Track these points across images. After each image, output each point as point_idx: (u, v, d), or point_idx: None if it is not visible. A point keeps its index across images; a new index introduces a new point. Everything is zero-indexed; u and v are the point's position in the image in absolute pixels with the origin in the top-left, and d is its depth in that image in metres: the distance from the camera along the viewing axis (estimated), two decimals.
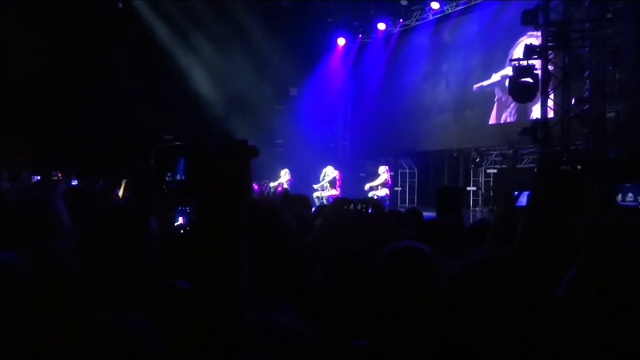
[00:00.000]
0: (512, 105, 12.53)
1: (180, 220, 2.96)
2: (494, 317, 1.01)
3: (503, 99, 12.94)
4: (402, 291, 1.71)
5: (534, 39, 11.80)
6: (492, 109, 13.26)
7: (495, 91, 13.22)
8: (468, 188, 13.60)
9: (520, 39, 12.22)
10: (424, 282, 1.70)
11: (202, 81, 13.92)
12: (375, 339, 1.64)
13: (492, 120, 13.25)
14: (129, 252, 1.80)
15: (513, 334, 0.97)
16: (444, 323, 1.11)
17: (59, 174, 7.21)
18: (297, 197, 4.41)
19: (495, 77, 13.13)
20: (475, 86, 13.57)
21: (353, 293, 2.19)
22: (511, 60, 10.10)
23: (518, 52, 12.36)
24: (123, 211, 1.92)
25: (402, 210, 6.04)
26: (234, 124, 13.44)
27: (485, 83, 13.34)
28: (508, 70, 12.45)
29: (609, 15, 8.60)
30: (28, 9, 11.23)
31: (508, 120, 12.80)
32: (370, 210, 4.84)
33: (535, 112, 11.79)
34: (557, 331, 1.02)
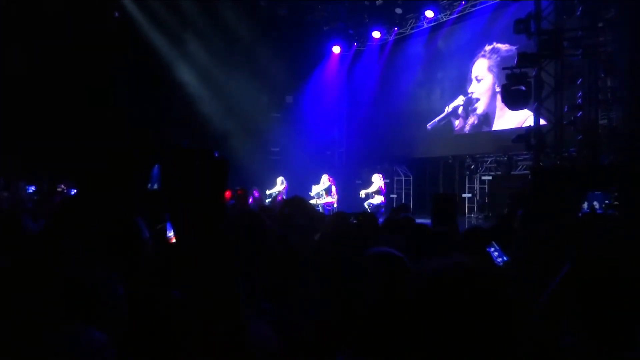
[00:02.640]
0: (467, 128, 13.48)
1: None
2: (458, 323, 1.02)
3: (458, 127, 13.72)
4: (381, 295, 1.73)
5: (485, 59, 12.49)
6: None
7: (451, 120, 13.91)
8: (463, 195, 13.65)
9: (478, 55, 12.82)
10: (396, 286, 1.72)
11: (198, 90, 13.97)
12: (359, 349, 1.66)
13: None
14: (125, 260, 1.84)
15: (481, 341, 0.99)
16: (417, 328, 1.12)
17: (62, 186, 7.24)
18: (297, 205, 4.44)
19: (448, 109, 13.88)
20: (428, 125, 14.25)
21: (348, 302, 2.22)
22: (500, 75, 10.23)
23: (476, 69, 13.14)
24: (120, 220, 1.96)
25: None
26: (230, 132, 13.48)
27: (437, 119, 14.11)
28: (459, 101, 13.08)
29: (601, 24, 8.70)
30: (25, 19, 11.27)
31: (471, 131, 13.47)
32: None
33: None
34: (541, 334, 1.06)
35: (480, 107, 13.10)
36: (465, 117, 13.48)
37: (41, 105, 11.25)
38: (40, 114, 11.19)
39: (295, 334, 1.93)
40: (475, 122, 13.26)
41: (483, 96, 13.05)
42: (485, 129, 12.97)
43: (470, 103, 13.34)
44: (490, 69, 12.80)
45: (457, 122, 13.77)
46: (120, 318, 1.35)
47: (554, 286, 1.20)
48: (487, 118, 12.92)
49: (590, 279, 1.16)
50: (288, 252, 2.15)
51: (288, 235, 2.40)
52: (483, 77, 13.02)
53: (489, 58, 12.85)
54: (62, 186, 7.29)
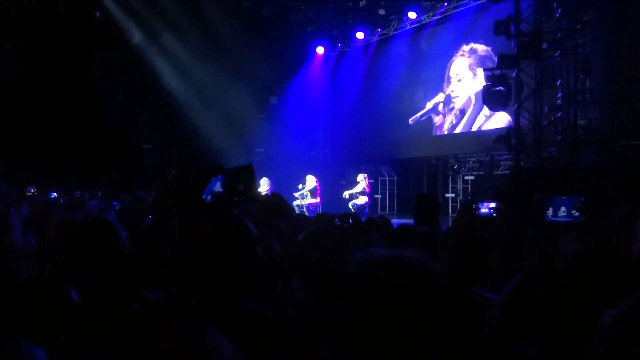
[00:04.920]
0: (446, 126, 13.64)
1: None
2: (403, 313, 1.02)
3: (438, 124, 13.92)
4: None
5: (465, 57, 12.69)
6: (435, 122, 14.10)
7: (431, 117, 14.07)
8: (447, 195, 13.76)
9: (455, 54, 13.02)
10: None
11: (181, 90, 13.90)
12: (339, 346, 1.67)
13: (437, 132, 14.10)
14: (104, 262, 1.84)
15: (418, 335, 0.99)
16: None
17: (33, 189, 7.12)
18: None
19: (429, 105, 14.04)
20: (410, 120, 14.35)
21: (330, 303, 2.23)
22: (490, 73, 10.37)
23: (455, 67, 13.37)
24: (96, 223, 1.96)
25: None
26: (214, 133, 13.45)
27: (419, 114, 14.23)
28: (440, 97, 13.22)
29: (579, 26, 8.83)
30: (5, 19, 11.12)
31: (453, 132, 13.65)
32: (350, 222, 4.90)
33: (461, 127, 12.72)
34: (497, 335, 1.08)
35: (459, 105, 13.26)
36: (445, 114, 13.64)
37: (20, 108, 11.10)
38: (19, 116, 11.05)
39: (276, 334, 1.94)
40: (454, 121, 13.42)
41: (462, 94, 13.19)
42: (467, 128, 13.10)
43: (449, 101, 13.49)
44: (470, 68, 12.94)
45: (437, 119, 13.90)
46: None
47: (505, 294, 1.23)
48: (466, 116, 13.07)
49: (543, 287, 1.19)
50: (267, 253, 2.17)
51: (266, 235, 2.41)
52: (463, 76, 13.16)
53: (469, 57, 12.99)
54: (33, 190, 7.16)
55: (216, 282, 1.69)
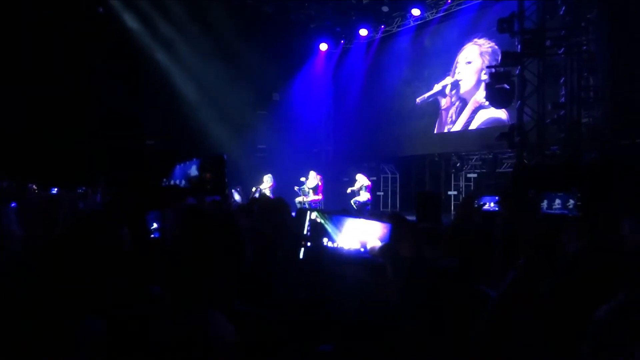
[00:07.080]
0: (453, 114, 13.47)
1: (155, 225, 3.00)
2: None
3: (445, 107, 13.78)
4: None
5: (476, 46, 12.64)
6: (437, 120, 14.00)
7: (438, 100, 13.97)
8: (449, 192, 13.74)
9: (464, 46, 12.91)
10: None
11: (184, 87, 13.91)
12: (342, 344, 1.69)
13: (436, 130, 14.01)
14: (105, 256, 1.85)
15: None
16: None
17: (34, 186, 7.14)
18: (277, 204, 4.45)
19: (437, 87, 13.96)
20: (418, 99, 14.24)
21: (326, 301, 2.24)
22: (488, 66, 10.31)
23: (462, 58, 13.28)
24: (99, 216, 1.97)
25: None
26: (217, 129, 13.46)
27: (426, 95, 14.17)
28: (448, 80, 13.17)
29: (583, 24, 8.81)
30: (6, 15, 11.13)
31: (450, 129, 13.59)
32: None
33: (478, 120, 12.55)
34: (492, 330, 1.09)
35: (466, 88, 13.17)
36: (452, 97, 13.54)
37: (21, 103, 11.13)
38: (19, 111, 11.08)
39: (274, 333, 1.95)
40: (458, 105, 13.34)
41: (470, 78, 13.09)
42: (473, 113, 12.98)
43: (457, 84, 13.40)
44: (481, 55, 12.85)
45: (443, 101, 13.80)
46: None
47: (501, 291, 1.24)
48: (472, 103, 13.00)
49: (537, 284, 1.20)
50: (266, 251, 2.17)
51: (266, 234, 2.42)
52: (473, 60, 13.06)
53: (480, 46, 12.90)
54: (34, 186, 7.19)
55: (206, 283, 1.70)
